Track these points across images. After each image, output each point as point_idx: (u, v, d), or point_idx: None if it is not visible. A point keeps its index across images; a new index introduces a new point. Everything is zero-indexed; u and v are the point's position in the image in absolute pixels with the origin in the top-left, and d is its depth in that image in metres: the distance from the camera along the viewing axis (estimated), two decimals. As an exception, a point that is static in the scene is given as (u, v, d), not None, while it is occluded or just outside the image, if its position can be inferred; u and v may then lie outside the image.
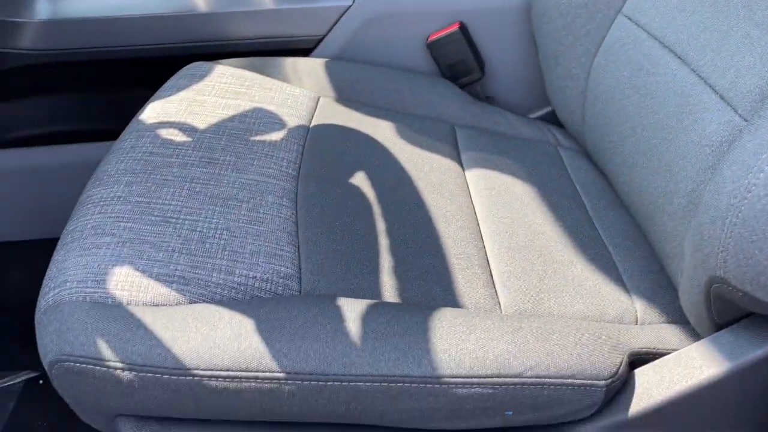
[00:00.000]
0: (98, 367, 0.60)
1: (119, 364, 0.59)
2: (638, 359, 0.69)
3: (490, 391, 0.61)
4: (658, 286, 0.77)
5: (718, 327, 0.66)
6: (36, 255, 0.92)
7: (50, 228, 0.89)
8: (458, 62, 1.08)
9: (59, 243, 0.71)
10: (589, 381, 0.63)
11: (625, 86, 0.84)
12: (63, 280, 0.65)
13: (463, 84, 1.09)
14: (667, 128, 0.75)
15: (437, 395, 0.61)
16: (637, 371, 0.67)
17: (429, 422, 0.63)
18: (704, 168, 0.67)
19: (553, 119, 1.09)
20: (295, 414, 0.62)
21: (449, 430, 0.65)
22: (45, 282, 0.67)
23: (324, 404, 0.61)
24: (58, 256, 0.69)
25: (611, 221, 0.86)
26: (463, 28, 1.07)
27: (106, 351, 0.60)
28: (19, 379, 1.11)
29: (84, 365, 0.60)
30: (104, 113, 1.20)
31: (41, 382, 1.10)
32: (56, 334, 0.61)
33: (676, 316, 0.74)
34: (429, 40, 1.08)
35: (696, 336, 0.70)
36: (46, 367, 0.62)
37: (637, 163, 0.80)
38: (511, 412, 0.63)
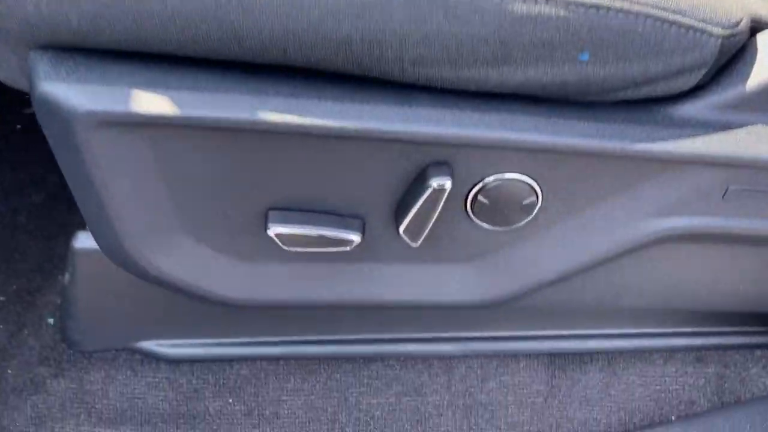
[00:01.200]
0: None
1: None
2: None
3: (563, 13, 0.42)
4: None
5: None
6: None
7: None
8: None
9: None
10: (701, 24, 0.44)
11: None
12: None
13: None
14: None
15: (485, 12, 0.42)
16: (760, 35, 0.49)
17: (467, 68, 0.44)
18: None
19: None
20: (264, 43, 0.42)
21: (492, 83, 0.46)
22: None
23: (315, 22, 0.41)
24: None
25: None
26: None
27: None
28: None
29: None
30: None
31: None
32: None
33: None
34: None
35: None
36: None
37: None
38: (587, 56, 0.44)
